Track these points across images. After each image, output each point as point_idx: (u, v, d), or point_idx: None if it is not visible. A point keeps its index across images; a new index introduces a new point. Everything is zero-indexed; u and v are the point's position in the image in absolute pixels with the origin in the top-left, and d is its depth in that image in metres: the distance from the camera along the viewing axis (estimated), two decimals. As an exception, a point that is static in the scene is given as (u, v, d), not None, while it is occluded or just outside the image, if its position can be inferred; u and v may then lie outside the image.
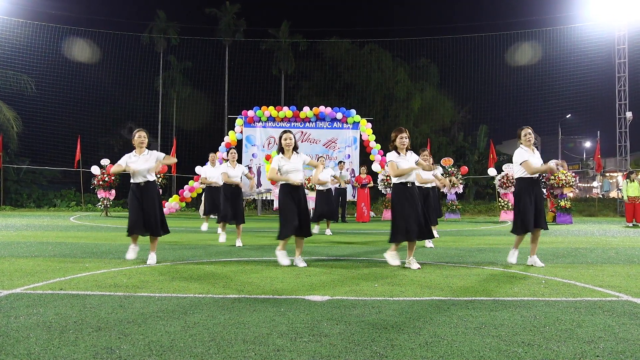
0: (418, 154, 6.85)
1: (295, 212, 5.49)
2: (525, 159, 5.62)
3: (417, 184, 7.50)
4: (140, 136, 5.77)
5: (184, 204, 18.45)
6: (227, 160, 8.04)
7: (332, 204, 10.11)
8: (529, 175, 5.64)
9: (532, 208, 5.57)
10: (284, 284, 4.43)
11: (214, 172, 9.52)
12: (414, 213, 5.29)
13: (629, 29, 21.16)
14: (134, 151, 5.78)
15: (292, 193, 5.54)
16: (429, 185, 7.58)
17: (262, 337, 2.79)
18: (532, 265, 5.68)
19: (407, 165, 5.37)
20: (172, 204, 17.92)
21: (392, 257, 5.46)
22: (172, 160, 5.92)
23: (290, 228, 5.45)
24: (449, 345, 2.69)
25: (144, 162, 5.66)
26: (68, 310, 3.38)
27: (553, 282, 4.62)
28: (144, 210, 5.62)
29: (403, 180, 5.39)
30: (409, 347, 2.64)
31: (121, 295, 3.88)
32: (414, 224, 5.26)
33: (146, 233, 5.69)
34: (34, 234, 9.48)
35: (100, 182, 16.94)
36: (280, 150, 5.64)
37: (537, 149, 5.89)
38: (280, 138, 5.64)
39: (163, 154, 5.83)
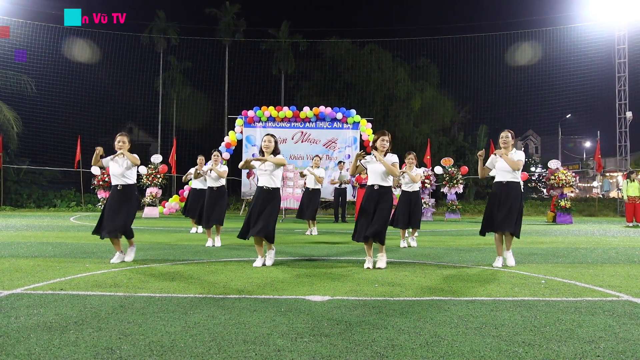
0: (403, 156, 6.92)
1: (254, 214, 5.48)
2: (487, 163, 5.84)
3: (404, 188, 7.59)
4: (119, 141, 5.82)
5: (183, 204, 18.44)
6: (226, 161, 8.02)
7: (315, 205, 10.06)
8: (498, 179, 5.71)
9: (497, 211, 5.55)
10: (284, 284, 4.43)
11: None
12: (367, 216, 5.32)
13: (629, 29, 21.17)
14: (116, 154, 5.82)
15: (258, 196, 5.55)
16: (415, 188, 7.59)
17: (263, 337, 2.79)
18: (505, 259, 5.71)
19: (375, 167, 5.39)
20: (172, 204, 17.92)
21: (366, 260, 5.51)
22: (134, 158, 5.83)
23: (245, 229, 5.51)
24: (449, 345, 2.69)
25: (119, 166, 5.71)
26: (68, 310, 3.38)
27: (553, 282, 4.62)
28: (111, 212, 5.59)
29: (370, 182, 5.46)
30: (409, 347, 2.64)
31: (121, 295, 3.88)
32: (363, 227, 5.31)
33: (104, 235, 5.61)
34: (34, 234, 9.48)
35: (100, 182, 16.95)
36: (260, 152, 5.67)
37: (526, 149, 5.89)
38: (262, 140, 5.69)
39: (135, 155, 5.81)
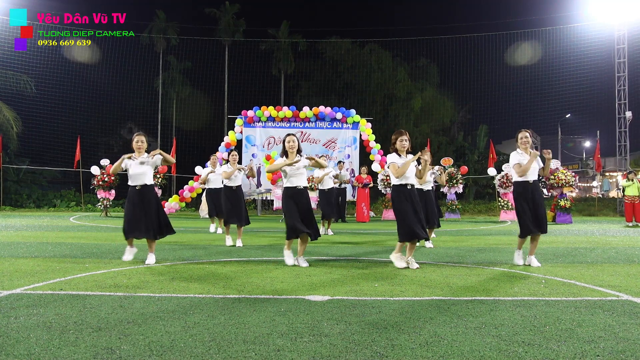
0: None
1: (298, 213, 5.51)
2: (516, 161, 5.68)
3: (417, 185, 7.57)
4: (138, 141, 5.77)
5: (183, 204, 18.44)
6: (227, 161, 8.03)
7: (333, 204, 10.12)
8: (523, 179, 5.64)
9: (531, 211, 5.56)
10: (284, 284, 4.43)
11: (215, 173, 9.52)
12: (415, 214, 5.33)
13: (629, 29, 21.17)
14: (133, 154, 5.80)
15: (294, 196, 5.57)
16: (428, 187, 7.59)
17: (263, 337, 2.79)
18: (529, 265, 5.69)
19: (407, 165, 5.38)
20: (172, 204, 17.91)
21: (397, 258, 5.49)
22: (171, 158, 5.88)
23: (295, 229, 5.49)
24: (449, 345, 2.69)
25: (140, 164, 5.68)
26: (68, 310, 3.38)
27: (553, 282, 4.62)
28: (141, 214, 5.60)
29: (403, 182, 5.41)
30: (409, 347, 2.64)
31: (121, 295, 3.88)
32: (418, 225, 5.30)
33: (142, 236, 5.66)
34: (34, 234, 9.48)
35: (100, 182, 16.94)
36: (284, 153, 5.66)
37: (537, 150, 5.89)
38: (284, 141, 5.67)
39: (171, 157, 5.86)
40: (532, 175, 5.64)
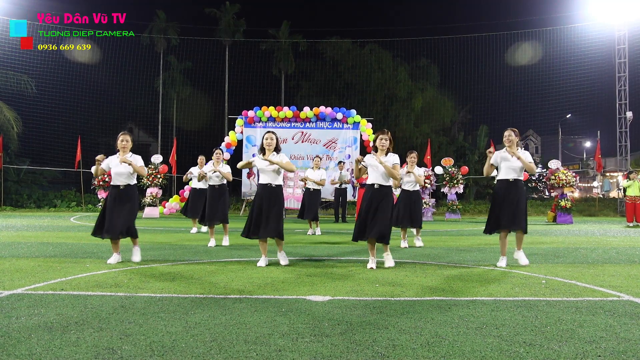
0: (403, 156, 6.91)
1: (255, 213, 5.49)
2: (491, 161, 5.80)
3: (405, 187, 7.55)
4: (122, 140, 5.74)
5: (183, 204, 18.45)
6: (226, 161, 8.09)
7: (316, 205, 10.09)
8: (503, 177, 5.71)
9: (504, 209, 5.57)
10: (284, 284, 4.43)
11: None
12: (367, 214, 5.33)
13: (629, 29, 21.16)
14: (117, 153, 5.78)
15: (261, 194, 5.55)
16: (416, 188, 7.55)
17: (264, 338, 2.79)
18: (517, 259, 5.73)
19: (373, 168, 5.41)
20: (172, 204, 17.92)
21: (370, 260, 5.51)
22: (141, 170, 5.72)
23: (246, 228, 5.54)
24: (450, 345, 2.69)
25: (123, 166, 5.64)
26: (69, 310, 3.38)
27: (554, 282, 4.61)
28: (115, 214, 5.52)
29: (370, 181, 5.45)
30: (410, 347, 2.64)
31: (122, 295, 3.88)
32: (362, 225, 5.33)
33: (106, 236, 5.53)
34: (34, 234, 9.48)
35: (101, 183, 16.94)
36: (262, 150, 5.63)
37: (526, 149, 5.91)
38: (262, 138, 5.66)
39: (140, 160, 5.78)
40: (507, 174, 5.67)
